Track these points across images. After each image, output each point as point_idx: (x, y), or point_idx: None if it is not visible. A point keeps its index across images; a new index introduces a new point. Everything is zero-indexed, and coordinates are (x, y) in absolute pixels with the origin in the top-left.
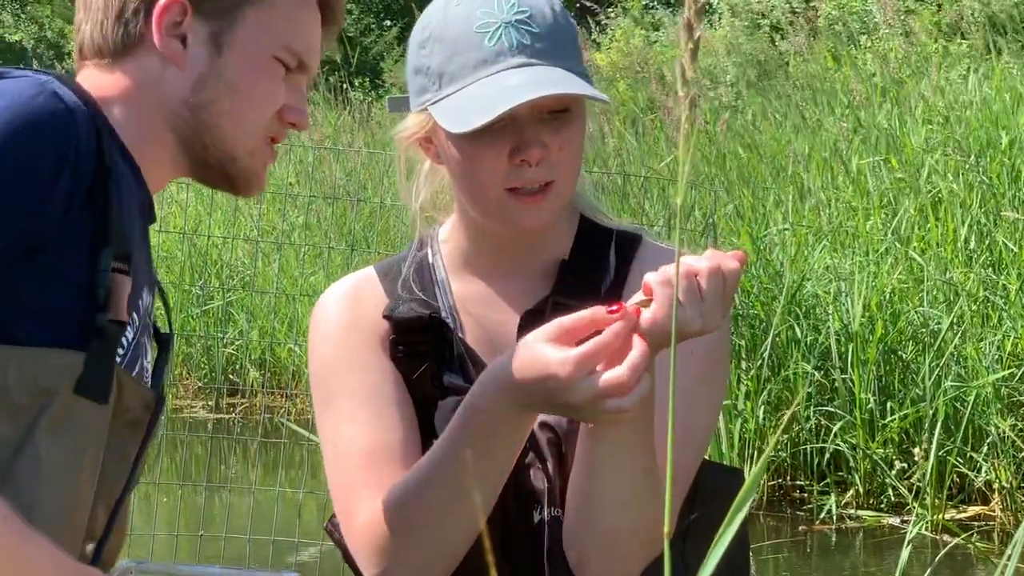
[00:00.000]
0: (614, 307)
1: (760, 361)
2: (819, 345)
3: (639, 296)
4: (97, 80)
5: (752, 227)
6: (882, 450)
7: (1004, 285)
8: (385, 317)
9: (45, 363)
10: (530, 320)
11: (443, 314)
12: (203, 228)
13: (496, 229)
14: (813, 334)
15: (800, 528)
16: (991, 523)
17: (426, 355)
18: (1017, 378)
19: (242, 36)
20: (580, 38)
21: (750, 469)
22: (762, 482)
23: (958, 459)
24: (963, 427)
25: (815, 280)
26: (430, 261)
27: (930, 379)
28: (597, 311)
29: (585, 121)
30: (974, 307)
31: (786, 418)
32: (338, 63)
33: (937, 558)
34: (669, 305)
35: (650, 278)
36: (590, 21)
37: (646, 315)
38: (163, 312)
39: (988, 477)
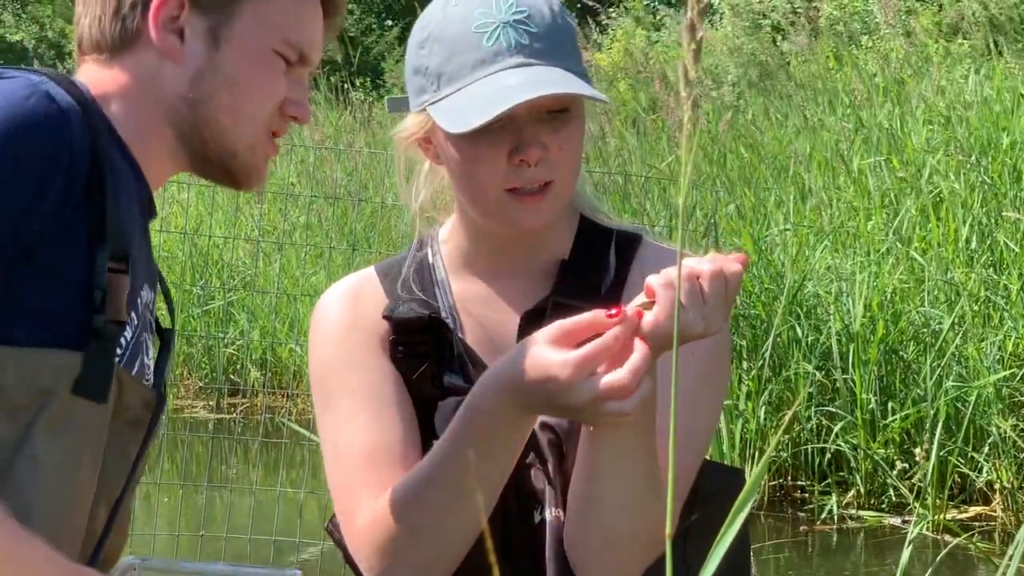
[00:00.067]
0: (613, 311)
1: (761, 361)
2: (820, 345)
3: (641, 298)
4: (96, 76)
5: (753, 227)
6: (883, 450)
7: (1005, 285)
8: (385, 317)
9: (43, 363)
10: (530, 320)
11: (443, 314)
12: (204, 228)
13: (496, 229)
14: (814, 334)
15: (801, 528)
16: (992, 523)
17: (426, 355)
18: (1018, 378)
19: (240, 30)
20: (579, 38)
21: (751, 469)
22: (763, 482)
23: (959, 459)
24: (964, 427)
25: (816, 280)
26: (430, 261)
27: (931, 379)
28: (596, 315)
29: (584, 121)
30: (975, 307)
31: (787, 418)
32: (339, 63)
33: (938, 558)
34: (671, 307)
35: (652, 280)
36: (590, 21)
37: (648, 318)
38: (166, 308)
39: (989, 477)
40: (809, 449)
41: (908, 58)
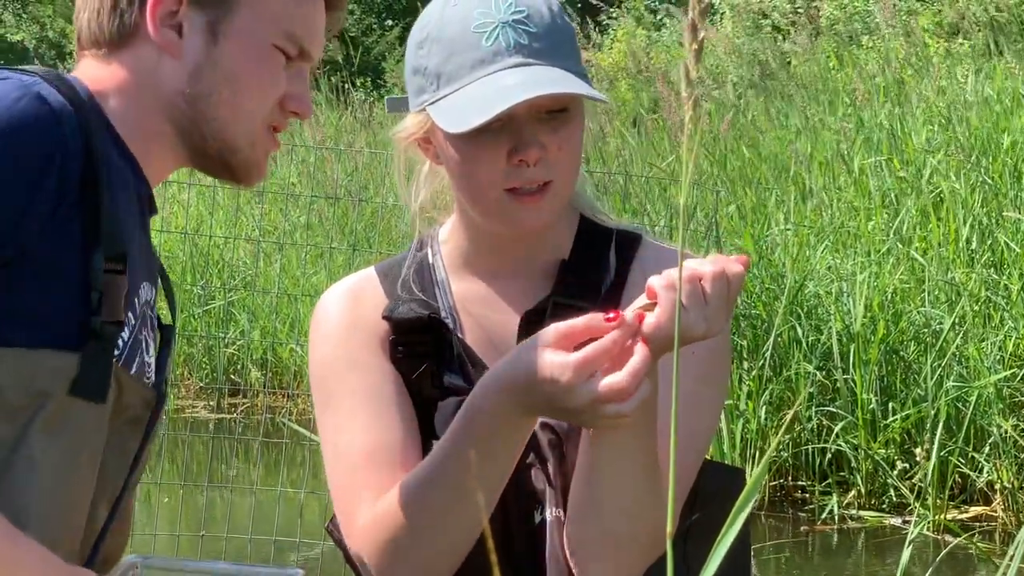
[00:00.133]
0: (611, 314)
1: (762, 361)
2: (821, 345)
3: (642, 299)
4: (94, 72)
5: (754, 227)
6: (884, 450)
7: (1006, 285)
8: (385, 317)
9: (40, 364)
10: (530, 320)
11: (443, 314)
12: (205, 228)
13: (495, 229)
14: (815, 334)
15: (802, 528)
16: (993, 523)
17: (426, 355)
18: (1019, 378)
19: (239, 25)
20: (579, 38)
21: (752, 469)
22: (764, 482)
23: (960, 459)
24: (965, 427)
25: (817, 280)
26: (430, 261)
27: (932, 379)
28: (594, 318)
29: (584, 121)
30: (976, 307)
31: (788, 418)
32: (340, 63)
33: (939, 558)
34: (673, 309)
35: (654, 282)
36: (590, 22)
37: (650, 319)
38: (166, 304)
39: (990, 477)
40: (810, 449)
41: (908, 58)
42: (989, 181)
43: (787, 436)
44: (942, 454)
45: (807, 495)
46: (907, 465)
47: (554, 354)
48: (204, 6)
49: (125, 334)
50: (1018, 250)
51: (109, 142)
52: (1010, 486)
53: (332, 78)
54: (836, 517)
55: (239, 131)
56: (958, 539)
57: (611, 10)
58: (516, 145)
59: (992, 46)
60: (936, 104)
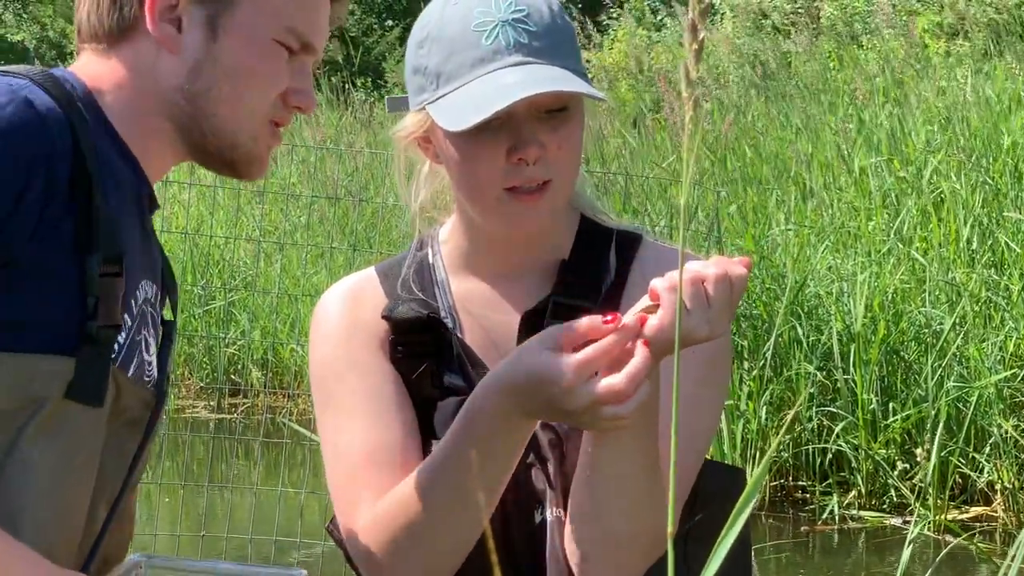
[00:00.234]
0: (608, 317)
1: (762, 361)
2: (821, 345)
3: (645, 301)
4: (93, 67)
5: (755, 228)
6: (884, 451)
7: (1007, 286)
8: (384, 317)
9: (35, 369)
10: (531, 320)
11: (442, 314)
12: (205, 228)
13: (495, 228)
14: (815, 334)
15: (802, 528)
16: (993, 524)
17: (425, 355)
18: (1019, 379)
19: (239, 19)
20: (579, 38)
21: (752, 470)
22: (764, 482)
23: (960, 460)
24: (965, 428)
25: (817, 280)
26: (430, 261)
27: (932, 379)
28: (593, 320)
29: (583, 120)
30: (976, 308)
31: (788, 418)
32: (340, 63)
33: (939, 558)
34: (676, 311)
35: (656, 284)
36: (589, 22)
37: (652, 321)
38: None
39: (990, 478)
40: (810, 449)
41: (908, 59)
42: (989, 181)
43: (787, 436)
44: (942, 454)
45: (807, 495)
46: (907, 465)
47: (554, 356)
48: (204, 0)
49: (122, 336)
50: (1018, 250)
51: (107, 139)
52: (1010, 486)
53: (332, 78)
54: (836, 517)
55: (240, 128)
56: (958, 539)
57: (612, 10)
58: (516, 144)
59: (992, 47)
60: (936, 105)
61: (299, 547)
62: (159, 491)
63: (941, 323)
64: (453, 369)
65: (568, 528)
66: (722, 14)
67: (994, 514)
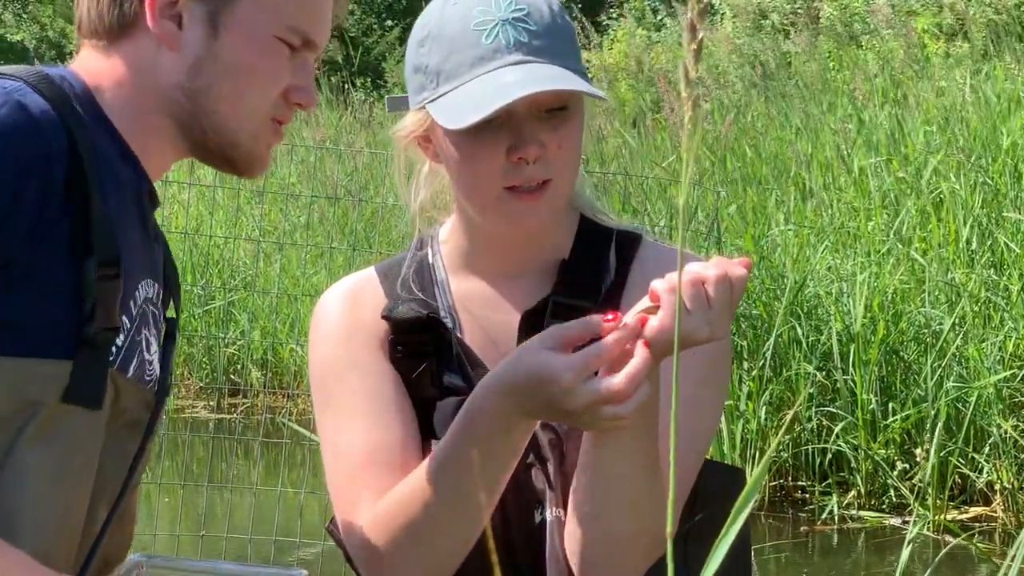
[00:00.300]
0: (609, 316)
1: (762, 362)
2: (821, 346)
3: (645, 302)
4: (92, 64)
5: (754, 228)
6: (884, 451)
7: (1006, 286)
8: (384, 317)
9: (31, 373)
10: (530, 320)
11: (442, 314)
12: (205, 228)
13: (494, 227)
14: (815, 335)
15: (802, 529)
16: (993, 524)
17: (425, 355)
18: (1019, 379)
19: (240, 16)
20: (579, 38)
21: (752, 470)
22: (764, 482)
23: (960, 460)
24: (965, 428)
25: (817, 281)
26: (430, 261)
27: (932, 380)
28: (593, 319)
29: (583, 120)
30: (976, 308)
31: (788, 419)
32: (340, 63)
33: (938, 558)
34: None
35: (657, 285)
36: (588, 23)
37: (653, 323)
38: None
39: (990, 478)
40: (810, 449)
41: (908, 59)
42: (989, 182)
43: (787, 436)
44: (942, 454)
45: (807, 495)
46: (907, 465)
47: (554, 355)
48: None
49: (121, 338)
50: (1018, 251)
51: (106, 138)
52: (1010, 487)
53: (332, 78)
54: (836, 517)
55: (241, 125)
56: (958, 539)
57: (612, 10)
58: (515, 142)
59: (991, 47)
60: (935, 106)
61: (299, 547)
62: (159, 491)
63: (940, 323)
64: (453, 369)
65: (568, 528)
66: (722, 14)
67: (993, 514)
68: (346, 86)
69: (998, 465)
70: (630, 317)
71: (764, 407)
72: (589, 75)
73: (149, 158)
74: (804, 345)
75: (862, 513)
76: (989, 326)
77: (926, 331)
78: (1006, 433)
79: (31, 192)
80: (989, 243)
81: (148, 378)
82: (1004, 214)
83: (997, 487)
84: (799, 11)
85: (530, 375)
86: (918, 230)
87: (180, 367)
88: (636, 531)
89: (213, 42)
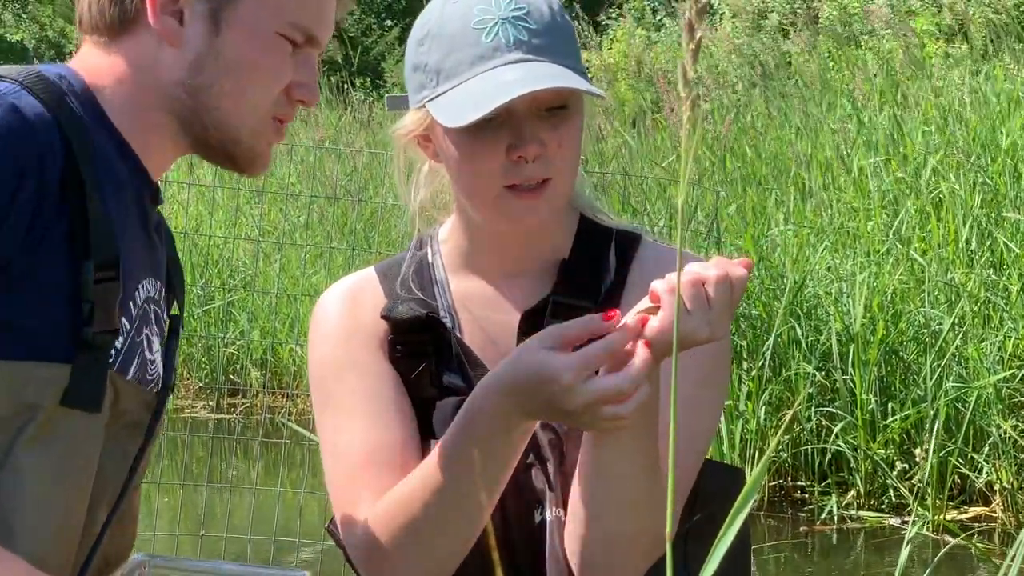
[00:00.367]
0: (609, 314)
1: (761, 362)
2: (820, 346)
3: (645, 302)
4: (93, 61)
5: (754, 228)
6: (883, 451)
7: (1005, 286)
8: (383, 316)
9: (29, 377)
10: (530, 320)
11: (442, 314)
12: (204, 228)
13: (494, 226)
14: (814, 335)
15: (801, 529)
16: (992, 524)
17: (424, 355)
18: (1018, 379)
19: (242, 13)
20: (578, 39)
21: (751, 470)
22: (763, 483)
23: (959, 460)
24: (964, 428)
25: (816, 281)
26: (430, 261)
27: (931, 380)
28: (592, 319)
29: (583, 119)
30: (975, 308)
31: (787, 419)
32: (339, 63)
33: (937, 558)
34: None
35: (657, 286)
36: (588, 23)
37: (653, 323)
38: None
39: (989, 478)
40: (809, 449)
41: (907, 60)
42: (988, 182)
43: (786, 436)
44: (941, 454)
45: (806, 495)
46: (906, 465)
47: (554, 355)
48: None
49: (120, 340)
50: (1017, 251)
51: (106, 137)
52: (1009, 487)
53: (332, 78)
54: (835, 517)
55: (242, 123)
56: (957, 539)
57: (611, 10)
58: (515, 141)
59: (991, 48)
60: (935, 104)
61: (298, 547)
62: (158, 491)
63: (940, 323)
64: (452, 369)
65: (568, 528)
66: (721, 14)
67: (993, 514)
68: (345, 86)
69: (997, 465)
70: (630, 317)
71: (763, 407)
72: (589, 75)
73: (150, 156)
74: (803, 345)
75: (861, 513)
76: (988, 326)
77: (925, 331)
78: (1005, 433)
79: (27, 192)
80: (988, 243)
81: (150, 377)
82: (1003, 214)
83: (996, 487)
84: (798, 11)
85: (530, 374)
86: (918, 230)
87: (179, 367)
88: (636, 531)
89: (215, 39)
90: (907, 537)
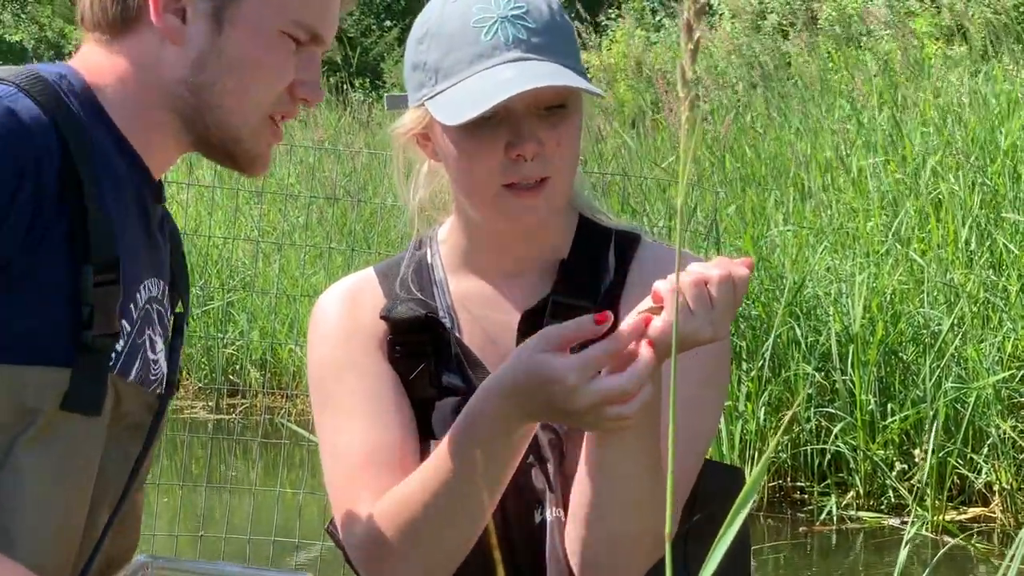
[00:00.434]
0: (600, 317)
1: (761, 362)
2: (820, 346)
3: (648, 302)
4: (94, 60)
5: (753, 228)
6: (882, 451)
7: (1004, 287)
8: (383, 317)
9: (28, 381)
10: (530, 320)
11: (441, 314)
12: (203, 228)
13: (493, 225)
14: (814, 335)
15: (800, 529)
16: (991, 524)
17: (424, 355)
18: (1017, 379)
19: (245, 11)
20: (578, 39)
21: (751, 470)
22: (762, 483)
23: (958, 460)
24: (963, 428)
25: (816, 281)
26: (429, 261)
27: (930, 380)
28: (582, 322)
29: (582, 119)
30: (975, 308)
31: (787, 419)
32: (338, 64)
33: (936, 558)
34: (680, 313)
35: (660, 286)
36: (587, 23)
37: (656, 323)
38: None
39: (988, 478)
40: (808, 450)
41: (906, 61)
42: (988, 183)
43: (786, 437)
44: (940, 455)
45: (806, 496)
46: (906, 466)
47: (556, 356)
48: None
49: (121, 343)
50: (1016, 251)
51: (107, 136)
52: (1008, 487)
53: (331, 79)
54: (835, 518)
55: (244, 121)
56: (956, 540)
57: (611, 10)
58: (514, 139)
59: (991, 48)
60: (935, 105)
61: (297, 547)
62: (157, 491)
63: (939, 324)
64: (451, 369)
65: (569, 529)
66: (720, 15)
67: (992, 515)
68: (345, 87)
69: (997, 466)
70: (632, 316)
71: (763, 408)
72: (588, 75)
73: (152, 154)
74: (803, 346)
75: (861, 514)
76: (988, 327)
77: (925, 332)
78: (1005, 434)
79: (23, 199)
80: (988, 244)
81: (153, 378)
82: (1003, 215)
83: (996, 488)
84: (798, 12)
85: (532, 376)
86: (917, 231)
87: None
88: (639, 531)
89: (217, 37)
90: (906, 537)
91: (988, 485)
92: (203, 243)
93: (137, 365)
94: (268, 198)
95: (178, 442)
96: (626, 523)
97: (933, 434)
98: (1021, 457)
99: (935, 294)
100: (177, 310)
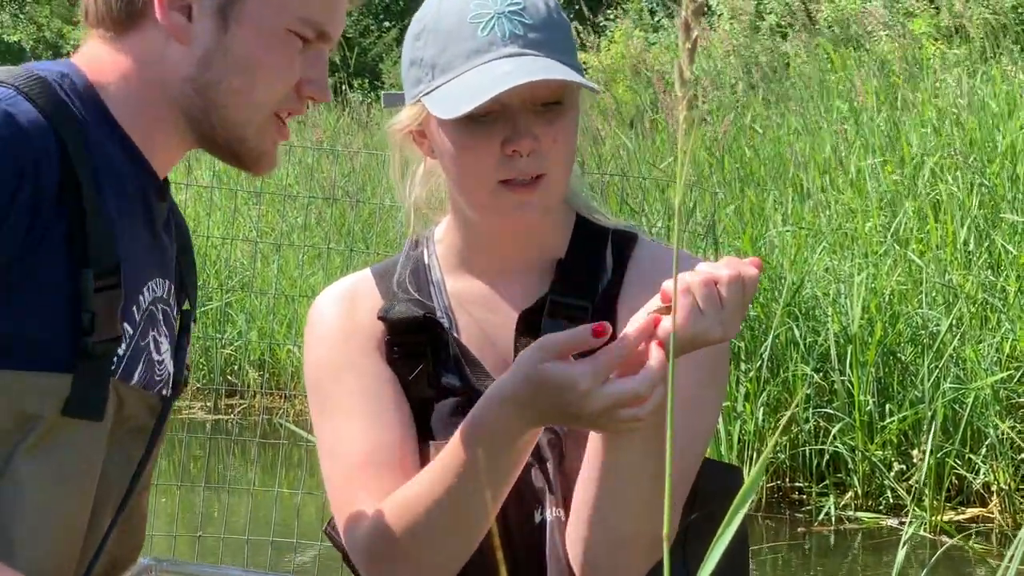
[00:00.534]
0: (598, 328)
1: (759, 363)
2: (818, 347)
3: (656, 302)
4: (97, 57)
5: (752, 229)
6: (881, 452)
7: (1003, 287)
8: (380, 318)
9: (29, 387)
10: (527, 319)
11: (438, 314)
12: (202, 229)
13: (489, 222)
14: (812, 336)
15: (799, 530)
16: (989, 525)
17: (422, 356)
18: (1016, 380)
19: (251, 9)
20: (575, 39)
21: (749, 470)
22: (761, 484)
23: (956, 461)
24: (962, 429)
25: (814, 282)
26: (426, 261)
27: (929, 381)
28: (581, 332)
29: (578, 116)
30: (973, 309)
31: (785, 420)
32: (337, 64)
33: (934, 559)
34: (689, 313)
35: (668, 286)
36: (586, 25)
37: (665, 323)
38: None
39: (986, 479)
40: (807, 451)
41: (905, 62)
42: (986, 184)
43: (784, 437)
44: (939, 455)
45: (804, 496)
46: (904, 466)
47: (566, 364)
48: None
49: (123, 347)
50: (1015, 252)
51: (109, 135)
52: (1007, 488)
53: (329, 79)
54: (833, 518)
55: (249, 119)
56: (954, 540)
57: (609, 11)
58: (510, 135)
59: (990, 48)
60: (935, 106)
61: (296, 548)
62: (155, 492)
63: (938, 324)
64: (450, 369)
65: (571, 529)
66: (719, 15)
67: (990, 515)
68: (343, 87)
69: (995, 466)
70: (641, 316)
71: (761, 408)
72: (586, 75)
73: (155, 152)
74: (801, 346)
75: (859, 514)
76: (986, 327)
77: (923, 332)
78: (1003, 434)
79: (22, 203)
80: (986, 245)
81: (158, 379)
82: (1001, 216)
83: (994, 488)
84: (796, 12)
85: (539, 384)
86: (916, 231)
87: None
88: (641, 532)
89: (223, 35)
90: (904, 538)
91: (986, 485)
92: (201, 244)
93: (140, 368)
94: (266, 199)
95: (176, 442)
96: (629, 524)
97: (931, 435)
98: (1019, 458)
99: (933, 295)
100: (184, 308)
